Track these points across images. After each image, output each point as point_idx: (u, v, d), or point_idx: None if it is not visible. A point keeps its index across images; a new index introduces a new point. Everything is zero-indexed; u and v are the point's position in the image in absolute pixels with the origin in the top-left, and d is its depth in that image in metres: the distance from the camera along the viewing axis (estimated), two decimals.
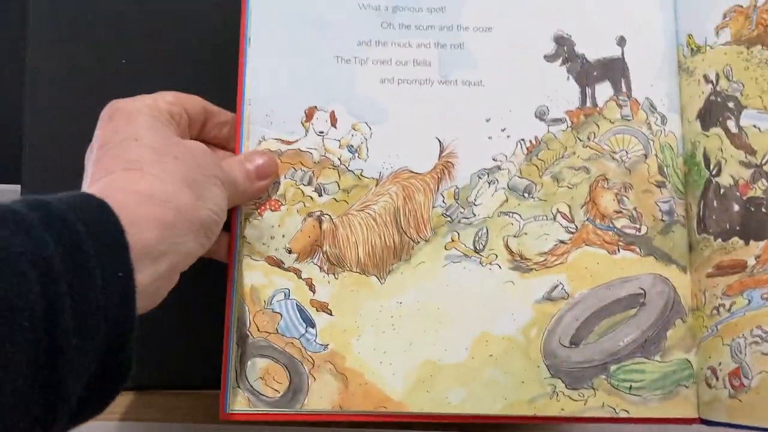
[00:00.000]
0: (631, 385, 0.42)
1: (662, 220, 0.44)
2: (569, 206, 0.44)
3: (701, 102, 0.44)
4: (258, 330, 0.42)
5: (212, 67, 0.49)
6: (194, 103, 0.42)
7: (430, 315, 0.42)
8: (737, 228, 0.41)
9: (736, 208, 0.41)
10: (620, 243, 0.44)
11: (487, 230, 0.43)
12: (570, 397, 0.42)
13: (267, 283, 0.43)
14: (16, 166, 0.49)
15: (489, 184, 0.44)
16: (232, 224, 0.43)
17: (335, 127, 0.44)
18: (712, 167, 0.43)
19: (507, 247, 0.43)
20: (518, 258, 0.43)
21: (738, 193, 0.41)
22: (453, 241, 0.43)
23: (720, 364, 0.41)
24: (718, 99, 0.43)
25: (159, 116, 0.39)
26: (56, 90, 0.49)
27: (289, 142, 0.44)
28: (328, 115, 0.45)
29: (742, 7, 0.43)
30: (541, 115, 0.45)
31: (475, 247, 0.43)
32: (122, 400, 0.46)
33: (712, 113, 0.43)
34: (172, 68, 0.50)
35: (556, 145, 0.45)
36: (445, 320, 0.42)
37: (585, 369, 0.42)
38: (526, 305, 0.43)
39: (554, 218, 0.44)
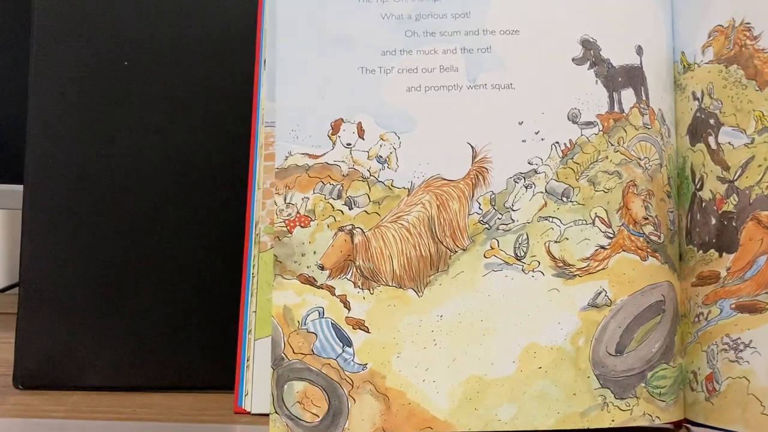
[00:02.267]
0: (660, 391, 0.41)
1: (670, 229, 0.44)
2: (606, 211, 0.43)
3: (690, 118, 0.45)
4: (293, 351, 0.40)
5: (215, 69, 0.50)
6: None
7: (473, 327, 0.41)
8: (713, 240, 0.43)
9: (713, 221, 0.43)
10: (648, 249, 0.42)
11: (527, 236, 0.42)
12: (618, 407, 0.41)
13: (300, 302, 0.41)
14: (19, 166, 0.49)
15: (526, 188, 0.43)
16: (245, 245, 0.43)
17: (363, 138, 0.43)
18: (696, 181, 0.44)
19: (549, 252, 0.42)
20: (561, 264, 0.42)
21: (715, 207, 0.43)
22: (492, 248, 0.42)
23: (699, 369, 0.42)
24: (702, 116, 0.44)
25: None
26: (59, 91, 0.49)
27: (316, 156, 0.43)
28: (355, 127, 0.43)
29: (722, 27, 0.44)
30: (573, 118, 0.44)
31: (517, 254, 0.42)
32: (121, 400, 0.46)
33: (698, 129, 0.44)
34: (174, 70, 0.50)
35: (590, 148, 0.43)
36: (489, 332, 0.41)
37: (628, 377, 0.41)
38: (572, 313, 0.41)
39: (593, 223, 0.42)
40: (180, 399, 0.47)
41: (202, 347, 0.48)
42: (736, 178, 0.42)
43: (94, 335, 0.48)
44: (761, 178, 0.41)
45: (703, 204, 0.43)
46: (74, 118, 0.49)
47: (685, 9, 0.46)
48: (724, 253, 0.42)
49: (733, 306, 0.41)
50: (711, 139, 0.43)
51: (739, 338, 0.41)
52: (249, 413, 0.43)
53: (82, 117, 0.49)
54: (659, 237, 0.43)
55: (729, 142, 0.42)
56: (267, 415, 0.41)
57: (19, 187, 0.50)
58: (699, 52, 0.45)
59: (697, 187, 0.44)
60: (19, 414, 0.44)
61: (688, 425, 0.43)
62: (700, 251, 0.43)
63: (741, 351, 0.41)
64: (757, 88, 0.42)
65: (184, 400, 0.47)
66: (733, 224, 0.42)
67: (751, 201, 0.41)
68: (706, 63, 0.44)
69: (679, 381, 0.42)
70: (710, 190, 0.43)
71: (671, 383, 0.42)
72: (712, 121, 0.43)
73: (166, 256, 0.49)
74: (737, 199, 0.42)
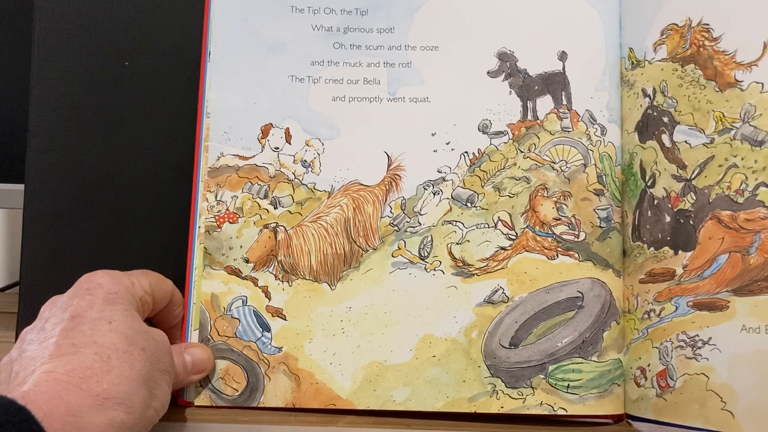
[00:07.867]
0: (568, 384, 0.45)
1: (600, 227, 0.46)
2: (510, 214, 0.47)
3: (639, 114, 0.46)
4: (218, 334, 0.46)
5: None
6: (165, 291, 0.43)
7: (377, 318, 0.45)
8: (668, 238, 0.43)
9: (668, 219, 0.43)
10: (559, 249, 0.46)
11: (431, 238, 0.46)
12: (509, 396, 0.45)
13: (226, 291, 0.46)
14: (19, 166, 0.50)
15: (434, 194, 0.47)
16: (189, 237, 0.46)
17: (290, 143, 0.47)
18: (647, 178, 0.45)
19: (450, 253, 0.46)
20: (461, 264, 0.46)
21: (669, 205, 0.43)
22: (399, 248, 0.46)
23: (649, 365, 0.43)
24: (655, 113, 0.45)
25: (134, 302, 0.40)
26: (60, 90, 0.50)
27: (246, 158, 0.47)
28: (283, 132, 0.47)
29: (677, 26, 0.44)
30: (483, 129, 0.47)
31: (421, 254, 0.46)
32: None
33: (649, 126, 0.45)
34: (174, 70, 0.50)
35: (498, 156, 0.47)
36: (391, 323, 0.45)
37: (524, 369, 0.45)
38: (467, 308, 0.46)
39: (495, 226, 0.47)
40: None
41: None
42: (693, 176, 0.42)
43: None
44: (722, 178, 0.41)
45: (656, 201, 0.44)
46: (74, 118, 0.49)
47: (635, 6, 0.47)
48: (680, 251, 0.42)
49: (691, 303, 0.41)
50: (665, 137, 0.43)
51: (697, 335, 0.41)
52: (193, 405, 0.45)
53: (82, 117, 0.49)
54: (576, 236, 0.46)
55: (686, 141, 0.42)
56: (210, 407, 0.44)
57: (19, 187, 0.50)
58: (650, 49, 0.45)
59: (648, 184, 0.44)
60: None
61: (630, 421, 0.44)
62: (652, 248, 0.44)
63: (699, 348, 0.40)
64: (717, 89, 0.41)
65: None
66: (691, 222, 0.42)
67: (710, 200, 0.41)
68: (659, 61, 0.45)
69: (612, 376, 0.44)
70: (664, 188, 0.43)
71: (593, 377, 0.44)
72: (666, 119, 0.43)
73: (166, 256, 0.48)
74: (695, 198, 0.42)
